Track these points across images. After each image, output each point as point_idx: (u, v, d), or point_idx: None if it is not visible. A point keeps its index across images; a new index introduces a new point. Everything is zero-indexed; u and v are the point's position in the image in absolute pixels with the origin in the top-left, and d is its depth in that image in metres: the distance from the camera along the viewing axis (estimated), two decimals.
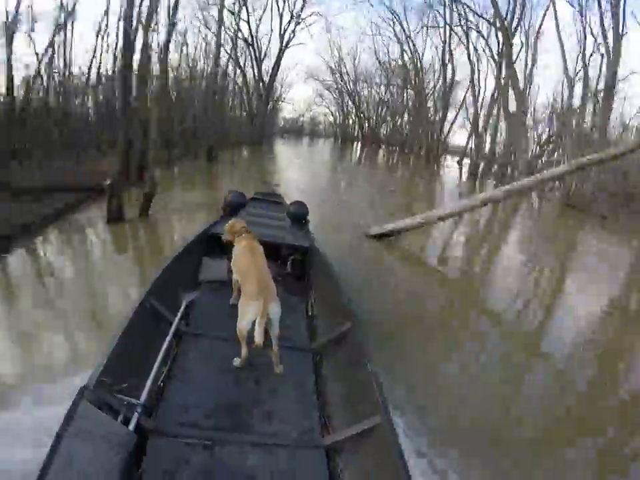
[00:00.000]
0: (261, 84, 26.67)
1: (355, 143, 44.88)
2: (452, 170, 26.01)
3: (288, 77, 44.42)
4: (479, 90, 24.16)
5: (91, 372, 1.55)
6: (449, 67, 26.39)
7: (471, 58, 23.22)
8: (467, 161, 25.93)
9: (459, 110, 28.30)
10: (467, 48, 23.21)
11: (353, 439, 1.62)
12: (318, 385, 2.05)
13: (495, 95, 21.98)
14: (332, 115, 50.24)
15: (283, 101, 36.99)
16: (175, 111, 14.39)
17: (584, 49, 16.58)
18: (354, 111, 43.76)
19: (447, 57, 26.09)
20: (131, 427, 1.48)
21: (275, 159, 20.58)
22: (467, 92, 25.97)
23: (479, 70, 23.70)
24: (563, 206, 13.33)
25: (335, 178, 16.46)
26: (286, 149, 28.53)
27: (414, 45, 28.65)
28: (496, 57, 20.28)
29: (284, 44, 26.31)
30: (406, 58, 29.99)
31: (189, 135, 14.91)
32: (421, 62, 28.99)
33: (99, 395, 1.45)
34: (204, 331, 2.34)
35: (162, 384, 1.88)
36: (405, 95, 34.25)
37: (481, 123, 23.64)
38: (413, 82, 29.97)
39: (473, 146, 24.38)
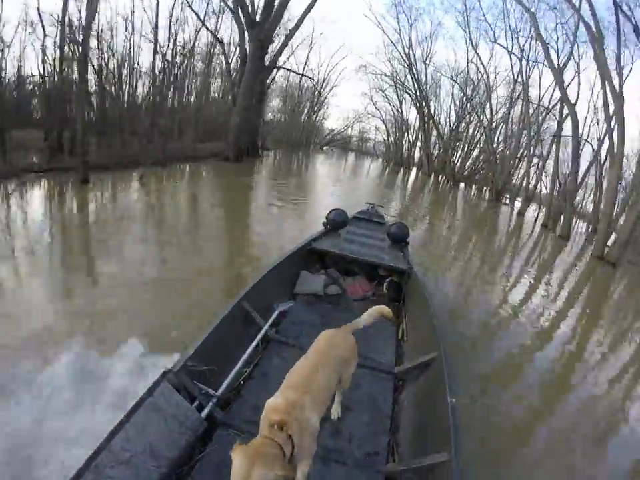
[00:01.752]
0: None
1: (410, 169, 33.51)
2: None
3: (333, 68, 37.36)
4: None
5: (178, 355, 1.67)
6: None
7: None
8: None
9: None
10: None
11: (417, 471, 1.56)
12: (394, 410, 2.00)
13: None
14: (386, 131, 39.38)
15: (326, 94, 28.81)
16: None
17: None
18: (418, 123, 31.45)
19: None
20: (204, 414, 1.61)
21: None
22: None
23: None
24: None
25: None
26: (303, 181, 15.05)
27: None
28: None
29: None
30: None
31: None
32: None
33: (180, 379, 1.57)
34: (292, 340, 2.38)
35: (242, 382, 1.97)
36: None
37: None
38: None
39: None
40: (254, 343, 2.11)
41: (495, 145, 22.66)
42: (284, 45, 16.00)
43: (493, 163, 21.79)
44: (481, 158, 27.41)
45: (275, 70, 17.89)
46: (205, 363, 1.73)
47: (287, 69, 21.08)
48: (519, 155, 20.93)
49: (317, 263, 3.40)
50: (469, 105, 26.19)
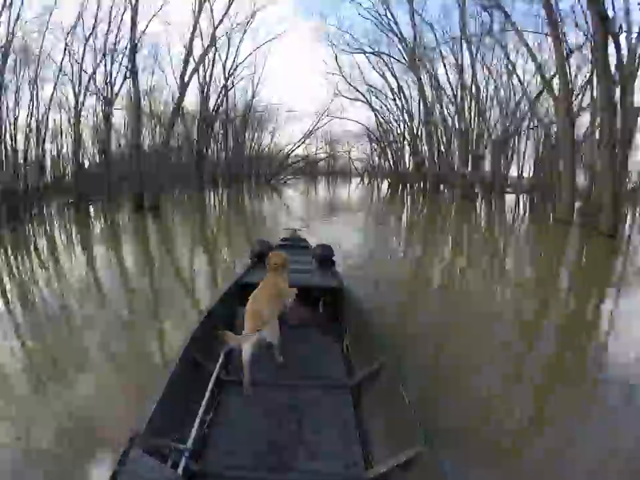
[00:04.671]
0: None
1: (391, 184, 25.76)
2: None
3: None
4: None
5: (142, 420, 1.67)
6: None
7: None
8: None
9: None
10: None
11: (396, 470, 1.65)
12: (358, 420, 2.10)
13: None
14: (376, 122, 30.54)
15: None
16: None
17: None
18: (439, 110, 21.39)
19: None
20: (179, 470, 1.61)
21: None
22: None
23: None
24: None
25: None
26: None
27: None
28: None
29: None
30: None
31: None
32: None
33: (148, 441, 1.57)
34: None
35: (207, 429, 2.00)
36: None
37: None
38: None
39: None
40: (209, 388, 2.18)
41: None
42: None
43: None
44: None
45: None
46: (169, 420, 1.79)
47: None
48: None
49: None
50: None
